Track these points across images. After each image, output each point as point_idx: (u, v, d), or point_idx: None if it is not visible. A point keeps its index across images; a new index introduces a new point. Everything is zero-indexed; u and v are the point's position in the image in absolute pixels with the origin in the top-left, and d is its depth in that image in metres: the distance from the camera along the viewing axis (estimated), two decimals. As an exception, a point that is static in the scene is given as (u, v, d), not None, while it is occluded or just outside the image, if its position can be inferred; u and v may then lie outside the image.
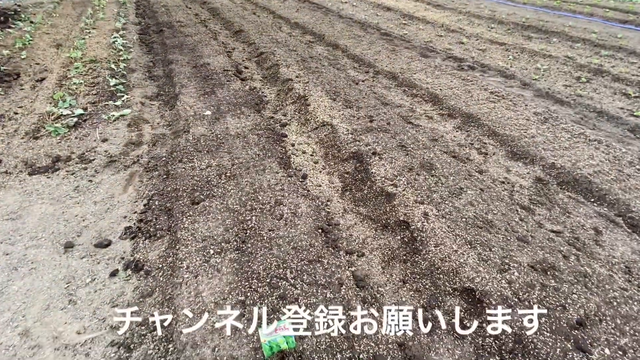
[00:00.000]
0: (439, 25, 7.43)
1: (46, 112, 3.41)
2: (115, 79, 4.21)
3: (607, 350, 1.56)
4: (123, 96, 3.81)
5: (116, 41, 5.63)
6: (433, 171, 2.68)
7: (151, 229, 2.23)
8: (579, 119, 3.71)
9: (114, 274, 1.95)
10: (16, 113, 3.60)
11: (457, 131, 3.46)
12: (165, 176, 2.69)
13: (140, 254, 2.07)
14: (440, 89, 4.24)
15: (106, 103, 3.67)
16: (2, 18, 7.20)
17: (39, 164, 2.78)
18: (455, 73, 4.79)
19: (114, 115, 3.40)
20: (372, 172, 2.70)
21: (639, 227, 2.36)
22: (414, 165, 2.73)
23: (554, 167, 2.88)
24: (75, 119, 3.29)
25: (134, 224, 2.29)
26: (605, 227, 2.35)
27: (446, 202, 2.37)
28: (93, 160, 2.86)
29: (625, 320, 1.68)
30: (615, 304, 1.76)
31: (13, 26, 6.66)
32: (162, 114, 3.65)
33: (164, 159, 2.90)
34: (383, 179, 2.62)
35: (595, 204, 2.57)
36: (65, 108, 3.48)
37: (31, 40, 5.76)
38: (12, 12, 7.71)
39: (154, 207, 2.41)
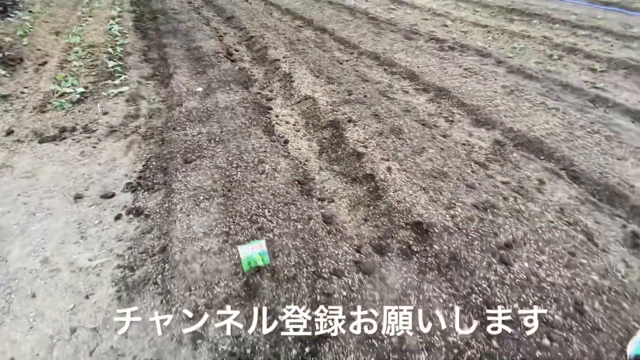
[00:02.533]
0: (426, 10, 7.65)
1: (51, 90, 3.71)
2: (113, 61, 4.48)
3: (526, 264, 1.90)
4: (121, 76, 4.09)
5: (112, 28, 5.88)
6: (401, 135, 2.99)
7: (149, 184, 2.55)
8: (545, 92, 4.00)
9: (118, 217, 2.28)
10: (22, 92, 3.89)
11: (429, 103, 3.76)
12: (161, 142, 3.00)
13: (140, 202, 2.40)
14: (418, 67, 4.52)
15: (105, 82, 3.96)
16: (1, 8, 7.44)
17: (47, 134, 3.09)
18: (435, 53, 5.06)
19: (113, 92, 3.70)
20: (346, 137, 3.01)
21: (579, 178, 2.68)
22: (384, 131, 3.04)
23: (511, 130, 3.19)
24: (78, 96, 3.59)
25: (134, 180, 2.61)
26: (549, 178, 2.67)
27: (408, 158, 2.69)
28: (96, 130, 3.17)
29: (546, 244, 2.02)
30: (540, 232, 2.09)
31: (12, 16, 6.89)
32: (157, 91, 3.94)
33: (159, 128, 3.21)
34: (355, 141, 2.93)
35: (544, 161, 2.88)
36: (68, 87, 3.77)
37: (31, 28, 6.01)
38: (11, 3, 7.92)
39: (151, 166, 2.73)
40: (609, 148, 2.95)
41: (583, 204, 2.43)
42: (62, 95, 3.63)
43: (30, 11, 7.22)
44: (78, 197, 2.43)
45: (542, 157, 2.92)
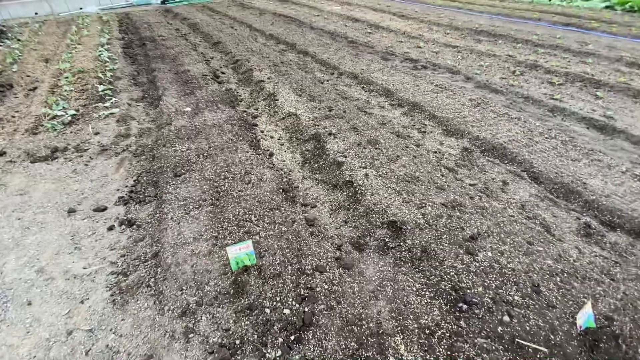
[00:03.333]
0: (401, 33, 8.19)
1: (42, 113, 3.84)
2: (103, 85, 4.66)
3: (489, 254, 2.10)
4: (111, 99, 4.27)
5: (102, 54, 6.10)
6: (377, 145, 3.23)
7: (140, 197, 2.68)
8: (508, 104, 4.36)
9: (111, 228, 2.40)
10: (13, 116, 4.01)
11: (403, 116, 4.05)
12: (151, 159, 3.15)
13: (132, 214, 2.52)
14: (393, 85, 4.86)
15: (96, 105, 4.12)
16: (-11, 37, 7.60)
17: (40, 154, 3.20)
18: (408, 72, 5.44)
19: (104, 114, 3.86)
20: (327, 148, 3.23)
21: (539, 179, 2.95)
22: (362, 142, 3.28)
23: (478, 138, 3.48)
24: (69, 118, 3.73)
25: (126, 194, 2.74)
26: (512, 180, 2.93)
27: (384, 166, 2.91)
28: (87, 149, 3.30)
29: (507, 235, 2.23)
30: (502, 225, 2.31)
31: (1, 44, 7.06)
32: (147, 112, 4.12)
33: (149, 146, 3.36)
34: (336, 152, 3.15)
35: (507, 164, 3.16)
36: (59, 110, 3.92)
37: (20, 55, 6.18)
38: (-1, 32, 8.11)
39: (142, 181, 2.86)
40: (564, 151, 3.26)
41: (542, 200, 2.69)
42: (54, 117, 3.76)
43: (18, 39, 7.41)
44: (71, 211, 2.53)
45: (505, 161, 3.19)
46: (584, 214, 2.57)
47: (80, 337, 1.74)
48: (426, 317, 1.78)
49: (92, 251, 2.22)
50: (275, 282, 1.92)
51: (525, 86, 4.87)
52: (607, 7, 10.88)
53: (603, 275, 2.00)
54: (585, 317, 1.71)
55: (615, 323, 1.73)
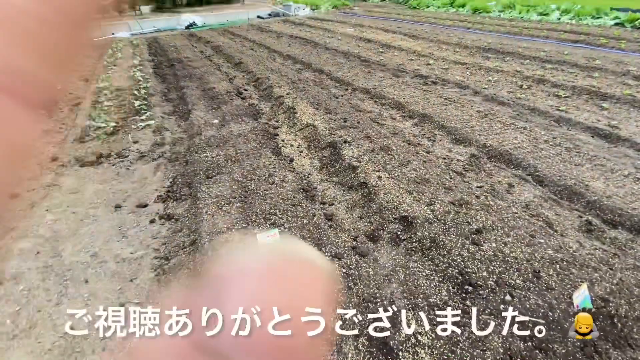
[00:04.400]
0: (412, 52, 8.58)
1: (87, 125, 4.30)
2: (139, 101, 5.15)
3: (493, 244, 2.29)
4: (146, 113, 4.72)
5: (135, 74, 6.69)
6: (390, 152, 3.50)
7: (177, 195, 3.01)
8: (515, 115, 4.58)
9: (152, 221, 2.71)
10: (61, 128, 4.49)
11: (414, 127, 4.32)
12: (185, 163, 3.50)
13: (170, 210, 2.84)
14: (404, 98, 5.17)
15: (133, 118, 4.57)
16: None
17: (87, 160, 3.60)
18: (419, 87, 5.76)
19: (141, 125, 4.28)
20: (342, 154, 3.51)
21: (543, 182, 3.13)
22: (375, 149, 3.55)
23: (485, 146, 3.70)
24: (111, 129, 4.17)
25: (164, 193, 3.07)
26: (518, 183, 3.12)
27: (396, 169, 3.16)
28: (128, 156, 3.69)
29: (511, 229, 2.42)
30: (506, 220, 2.50)
31: (46, 67, 7.80)
32: (178, 124, 4.54)
33: (182, 152, 3.73)
34: (351, 157, 3.43)
35: (513, 169, 3.35)
36: (102, 122, 4.37)
37: (63, 76, 6.83)
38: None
39: (178, 182, 3.20)
40: (568, 157, 3.44)
41: (546, 201, 2.86)
42: (97, 129, 4.21)
43: (61, 63, 8.16)
44: (118, 207, 2.87)
45: (511, 166, 3.39)
46: (587, 213, 2.73)
47: (131, 308, 2.01)
48: (435, 297, 1.98)
49: (138, 240, 2.52)
50: (299, 265, 2.16)
51: (532, 99, 5.09)
52: (616, 24, 11.08)
53: (601, 264, 2.16)
54: (582, 297, 1.87)
55: (611, 304, 1.88)
